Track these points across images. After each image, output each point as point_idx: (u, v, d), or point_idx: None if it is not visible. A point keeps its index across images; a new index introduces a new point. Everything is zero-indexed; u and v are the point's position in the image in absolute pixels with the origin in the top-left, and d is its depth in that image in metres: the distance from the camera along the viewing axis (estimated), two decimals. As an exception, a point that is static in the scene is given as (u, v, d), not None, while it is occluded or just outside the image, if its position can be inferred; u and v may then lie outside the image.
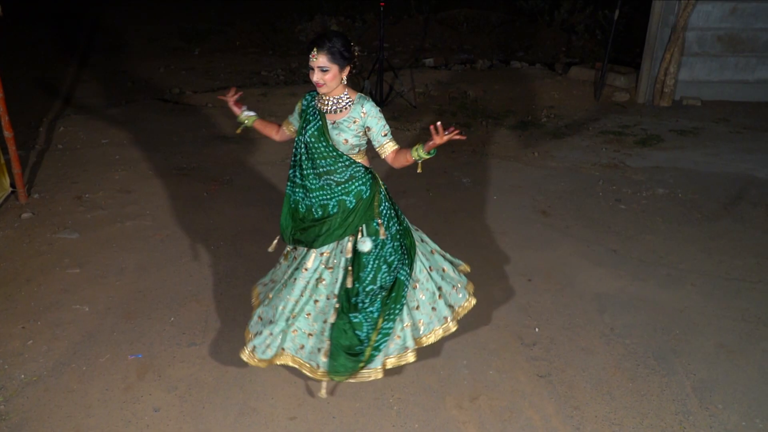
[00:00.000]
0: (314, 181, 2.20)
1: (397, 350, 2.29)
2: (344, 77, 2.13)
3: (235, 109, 2.38)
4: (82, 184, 4.13)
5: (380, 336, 2.20)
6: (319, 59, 2.06)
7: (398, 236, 2.28)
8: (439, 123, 2.04)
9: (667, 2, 5.68)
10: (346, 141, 2.16)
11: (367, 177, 2.23)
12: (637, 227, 3.67)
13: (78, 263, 3.23)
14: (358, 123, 2.15)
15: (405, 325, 2.28)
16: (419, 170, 2.18)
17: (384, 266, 2.22)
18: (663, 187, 4.18)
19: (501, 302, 2.95)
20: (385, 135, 2.18)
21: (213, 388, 2.41)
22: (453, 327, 2.38)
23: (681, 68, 5.87)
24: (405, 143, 5.00)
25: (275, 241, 2.43)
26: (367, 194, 2.22)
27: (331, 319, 2.21)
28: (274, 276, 2.48)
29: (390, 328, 2.23)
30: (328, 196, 2.20)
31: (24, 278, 3.10)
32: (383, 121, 2.18)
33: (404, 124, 5.44)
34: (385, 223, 2.26)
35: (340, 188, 2.20)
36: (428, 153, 2.10)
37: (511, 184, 4.25)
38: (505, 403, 2.35)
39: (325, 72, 2.08)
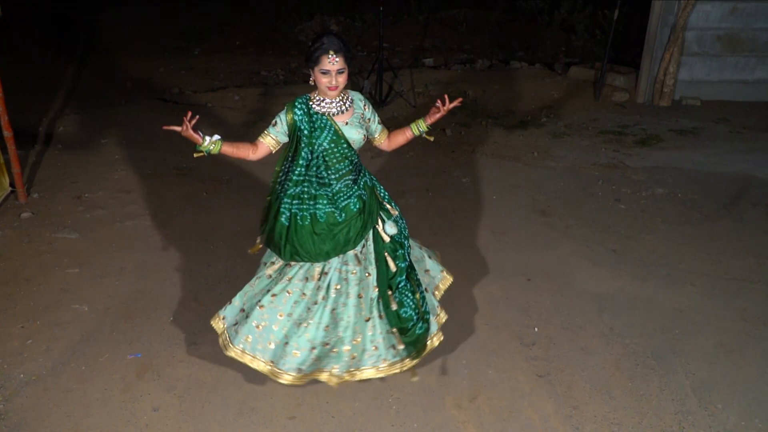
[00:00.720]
0: (335, 186, 2.18)
1: (432, 310, 2.42)
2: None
3: (195, 137, 2.06)
4: (81, 184, 4.13)
5: (422, 301, 2.31)
6: (339, 61, 2.07)
7: (397, 209, 2.36)
8: (445, 95, 2.21)
9: (667, 2, 5.68)
10: (364, 137, 2.23)
11: (362, 166, 2.31)
12: (636, 227, 3.67)
13: (77, 263, 3.23)
14: (363, 117, 2.24)
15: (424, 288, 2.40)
16: (431, 138, 2.40)
17: (406, 242, 2.31)
18: (662, 187, 4.18)
19: (500, 302, 2.95)
20: (380, 122, 2.31)
21: (212, 387, 2.41)
22: (450, 277, 2.60)
23: (680, 68, 5.87)
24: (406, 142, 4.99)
25: (258, 242, 2.42)
26: (371, 182, 2.31)
27: (378, 313, 2.23)
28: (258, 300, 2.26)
29: (423, 293, 2.33)
30: (347, 195, 2.21)
31: (23, 278, 3.10)
32: (374, 111, 2.30)
33: (404, 124, 5.44)
34: (387, 201, 2.35)
35: (355, 186, 2.23)
36: (428, 127, 2.31)
37: (510, 184, 4.25)
38: (504, 402, 2.35)
39: (342, 74, 2.10)
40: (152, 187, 4.13)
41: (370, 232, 2.25)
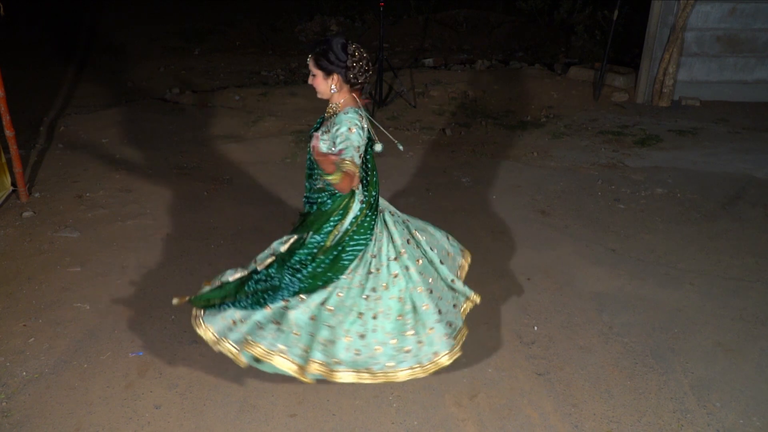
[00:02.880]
0: (311, 183, 2.24)
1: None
2: (334, 85, 2.09)
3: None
4: (82, 183, 4.14)
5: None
6: (309, 63, 2.13)
7: (297, 267, 2.16)
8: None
9: (666, 2, 5.70)
10: (313, 149, 2.08)
11: (337, 195, 2.15)
12: (635, 227, 3.68)
13: (79, 262, 3.24)
14: (329, 134, 2.09)
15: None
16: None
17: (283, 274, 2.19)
18: (662, 187, 4.19)
19: (500, 301, 2.97)
20: (340, 152, 2.00)
21: (213, 385, 2.42)
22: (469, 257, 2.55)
23: (680, 68, 5.88)
24: (405, 142, 5.01)
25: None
26: (326, 208, 2.16)
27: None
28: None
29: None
30: (315, 199, 2.22)
31: (25, 276, 3.11)
32: (346, 143, 2.01)
33: (404, 124, 5.46)
34: (312, 245, 2.16)
35: (317, 194, 2.21)
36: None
37: (510, 184, 4.27)
38: (503, 401, 2.36)
39: (313, 76, 2.12)
40: (153, 186, 4.14)
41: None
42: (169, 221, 3.69)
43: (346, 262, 2.16)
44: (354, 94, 2.17)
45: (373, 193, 2.22)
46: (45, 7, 9.14)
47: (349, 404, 2.34)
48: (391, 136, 2.43)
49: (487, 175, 4.42)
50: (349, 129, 2.04)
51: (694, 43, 5.88)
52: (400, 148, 2.30)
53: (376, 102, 5.73)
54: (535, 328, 2.78)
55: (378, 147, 2.18)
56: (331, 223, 2.17)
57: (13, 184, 3.87)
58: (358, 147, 2.05)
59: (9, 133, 3.73)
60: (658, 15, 5.79)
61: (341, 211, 2.16)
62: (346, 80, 2.12)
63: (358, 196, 2.18)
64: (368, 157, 2.22)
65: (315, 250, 2.17)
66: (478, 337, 2.71)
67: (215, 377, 2.46)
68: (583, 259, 3.33)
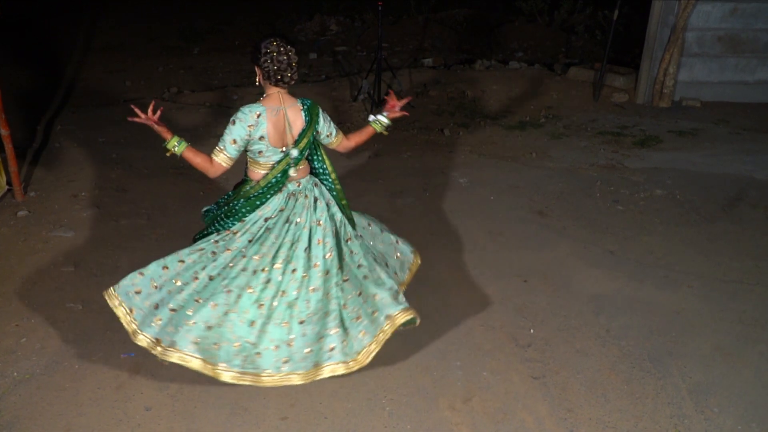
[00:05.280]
0: None
1: None
2: (259, 80, 2.32)
3: (162, 132, 2.35)
4: (78, 183, 4.13)
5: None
6: None
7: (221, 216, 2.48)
8: (390, 91, 2.41)
9: (667, 2, 5.66)
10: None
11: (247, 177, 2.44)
12: (634, 228, 3.65)
13: (73, 262, 3.22)
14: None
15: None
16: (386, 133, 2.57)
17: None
18: (661, 189, 4.16)
19: (496, 303, 2.94)
20: (222, 145, 2.32)
21: (205, 387, 2.40)
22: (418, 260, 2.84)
23: (680, 69, 5.85)
24: (404, 143, 4.99)
25: None
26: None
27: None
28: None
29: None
30: None
31: (18, 276, 3.09)
32: (225, 131, 2.29)
33: (402, 124, 5.43)
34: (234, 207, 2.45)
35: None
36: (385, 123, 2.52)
37: (508, 185, 4.24)
38: (498, 404, 2.33)
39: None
40: (149, 186, 4.12)
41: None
42: (165, 221, 3.67)
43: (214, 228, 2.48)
44: (280, 91, 2.33)
45: (275, 180, 2.37)
46: (44, 6, 9.13)
47: (341, 407, 2.31)
48: (318, 151, 2.56)
49: (485, 175, 4.39)
50: (233, 120, 2.28)
51: (694, 43, 5.85)
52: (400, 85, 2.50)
53: (374, 102, 5.70)
54: (531, 330, 2.75)
55: (293, 152, 2.36)
56: (227, 196, 2.53)
57: (9, 183, 3.85)
58: (235, 140, 2.27)
59: (4, 131, 3.71)
60: (658, 15, 5.75)
61: (235, 192, 2.50)
62: (265, 77, 2.29)
63: (250, 188, 2.40)
64: (282, 158, 2.36)
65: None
66: (474, 340, 2.68)
67: (206, 379, 2.42)
68: (580, 260, 3.30)
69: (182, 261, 2.37)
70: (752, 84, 5.96)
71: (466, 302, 2.93)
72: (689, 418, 2.28)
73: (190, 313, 2.24)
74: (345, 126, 5.31)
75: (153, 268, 2.35)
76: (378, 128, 2.53)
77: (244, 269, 2.31)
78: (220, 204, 2.56)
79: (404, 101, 2.56)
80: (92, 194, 3.98)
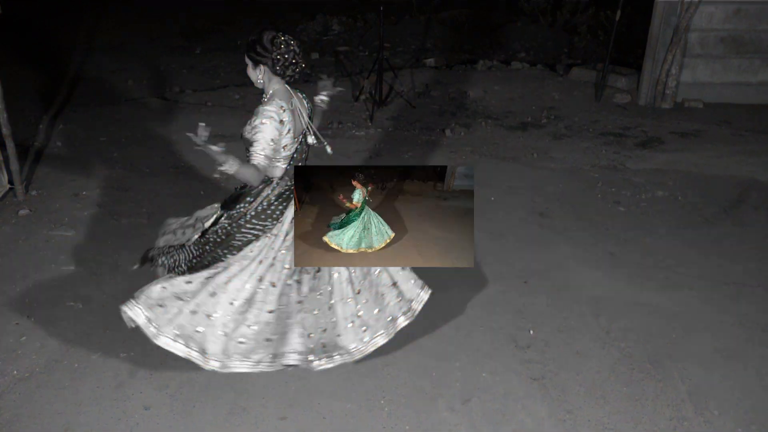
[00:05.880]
0: None
1: None
2: (260, 77, 2.22)
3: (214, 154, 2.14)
4: (79, 182, 4.13)
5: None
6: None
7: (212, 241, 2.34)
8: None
9: (670, 3, 5.64)
10: (242, 135, 2.24)
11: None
12: (635, 230, 3.64)
13: (73, 260, 3.23)
14: (250, 124, 2.20)
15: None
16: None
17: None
18: (663, 190, 4.15)
19: (496, 304, 2.93)
20: (251, 146, 2.15)
21: (203, 387, 2.40)
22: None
23: (683, 70, 5.82)
24: (405, 142, 4.98)
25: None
26: (245, 191, 2.31)
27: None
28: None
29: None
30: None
31: (19, 275, 3.09)
32: (257, 136, 2.13)
33: (403, 124, 5.43)
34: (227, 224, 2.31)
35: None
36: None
37: (509, 185, 4.23)
38: (497, 405, 2.33)
39: (246, 66, 2.24)
40: (150, 185, 4.13)
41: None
42: (165, 220, 3.67)
43: (236, 242, 2.26)
44: (286, 86, 2.25)
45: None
46: (45, 6, 9.15)
47: (340, 408, 2.31)
48: (321, 137, 2.39)
49: (486, 176, 4.38)
50: (262, 121, 2.13)
51: (697, 44, 5.82)
52: (329, 151, 2.32)
53: (376, 102, 5.70)
54: (531, 332, 2.75)
55: (310, 140, 2.27)
56: (243, 205, 2.29)
57: (10, 181, 3.86)
58: (272, 140, 2.12)
59: (6, 130, 3.71)
60: (661, 16, 5.73)
61: (253, 196, 2.28)
62: (274, 72, 2.20)
63: (276, 185, 2.25)
64: (298, 147, 2.26)
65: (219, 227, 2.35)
66: (473, 341, 2.67)
67: (206, 379, 2.44)
68: (581, 262, 3.29)
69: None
70: (755, 85, 5.93)
71: (465, 303, 2.93)
72: (689, 420, 2.27)
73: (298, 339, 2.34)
74: (346, 126, 5.31)
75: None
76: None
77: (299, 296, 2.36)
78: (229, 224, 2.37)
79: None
80: (93, 193, 3.99)
